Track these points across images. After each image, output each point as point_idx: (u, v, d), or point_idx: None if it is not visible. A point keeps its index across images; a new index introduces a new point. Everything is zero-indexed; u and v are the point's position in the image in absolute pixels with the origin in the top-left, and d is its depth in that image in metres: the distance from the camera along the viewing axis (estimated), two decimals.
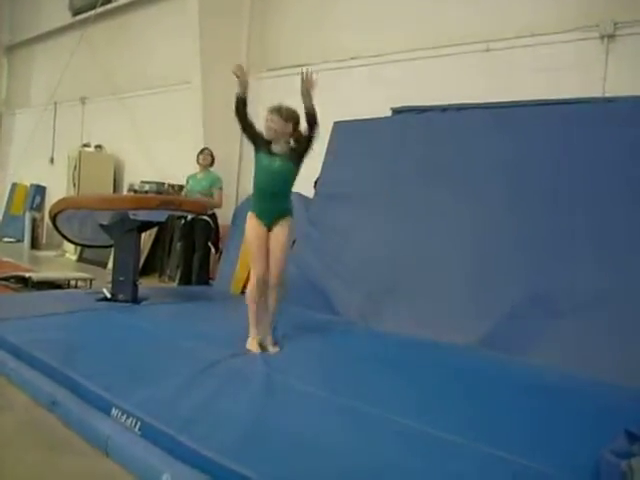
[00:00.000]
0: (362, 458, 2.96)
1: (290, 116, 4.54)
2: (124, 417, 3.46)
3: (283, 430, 3.22)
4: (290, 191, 4.73)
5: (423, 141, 6.59)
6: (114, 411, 3.54)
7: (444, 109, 6.59)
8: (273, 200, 4.65)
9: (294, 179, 4.69)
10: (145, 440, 3.27)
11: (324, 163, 7.07)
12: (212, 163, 7.78)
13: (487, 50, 6.72)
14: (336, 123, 7.11)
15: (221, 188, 7.65)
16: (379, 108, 6.98)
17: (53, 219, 6.18)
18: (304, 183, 7.51)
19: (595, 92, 5.83)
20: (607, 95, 5.77)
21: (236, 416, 3.42)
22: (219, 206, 7.60)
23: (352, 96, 7.67)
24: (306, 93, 4.42)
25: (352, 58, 7.95)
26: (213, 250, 7.80)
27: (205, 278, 7.78)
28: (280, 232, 4.68)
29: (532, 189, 5.69)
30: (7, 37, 15.48)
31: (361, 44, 7.87)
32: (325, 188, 7.03)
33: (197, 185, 7.62)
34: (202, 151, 7.83)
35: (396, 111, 7.02)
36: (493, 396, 3.98)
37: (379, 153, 6.82)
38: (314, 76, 4.45)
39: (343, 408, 3.60)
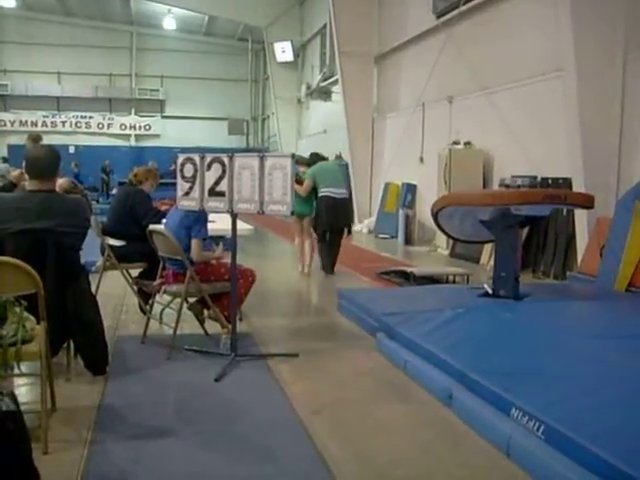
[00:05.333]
0: None
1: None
2: (525, 419, 3.37)
3: None
4: None
5: None
6: (514, 411, 3.47)
7: None
8: None
9: None
10: (550, 446, 3.14)
11: None
12: None
13: None
14: None
15: None
16: None
17: (435, 216, 6.37)
18: None
19: None
20: None
21: None
22: None
23: None
24: None
25: None
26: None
27: None
28: None
29: None
30: (377, 48, 16.54)
31: None
32: None
33: None
34: None
35: None
36: None
37: None
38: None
39: None
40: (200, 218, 5.20)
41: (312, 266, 8.95)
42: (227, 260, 5.19)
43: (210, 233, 5.54)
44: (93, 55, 28.09)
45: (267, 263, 10.00)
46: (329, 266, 8.86)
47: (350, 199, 9.39)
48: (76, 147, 27.40)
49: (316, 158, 9.23)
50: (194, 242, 5.16)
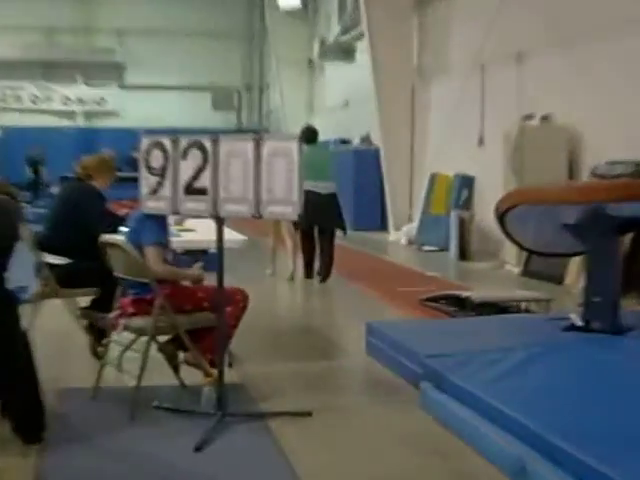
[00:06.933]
0: None
1: None
2: None
3: None
4: None
5: None
6: None
7: None
8: None
9: None
10: None
11: None
12: None
13: None
14: None
15: None
16: None
17: (501, 219, 6.35)
18: None
19: None
20: None
21: None
22: None
23: None
24: None
25: None
26: None
27: None
28: None
29: None
30: None
31: None
32: None
33: None
34: None
35: None
36: None
37: None
38: None
39: None
40: (147, 218, 5.21)
41: (298, 271, 10.71)
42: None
43: (189, 246, 5.55)
44: (24, 3, 28.12)
45: (264, 285, 10.03)
46: (309, 269, 10.65)
47: (336, 194, 10.87)
48: (3, 129, 27.51)
49: (307, 134, 10.63)
50: (147, 251, 5.13)
